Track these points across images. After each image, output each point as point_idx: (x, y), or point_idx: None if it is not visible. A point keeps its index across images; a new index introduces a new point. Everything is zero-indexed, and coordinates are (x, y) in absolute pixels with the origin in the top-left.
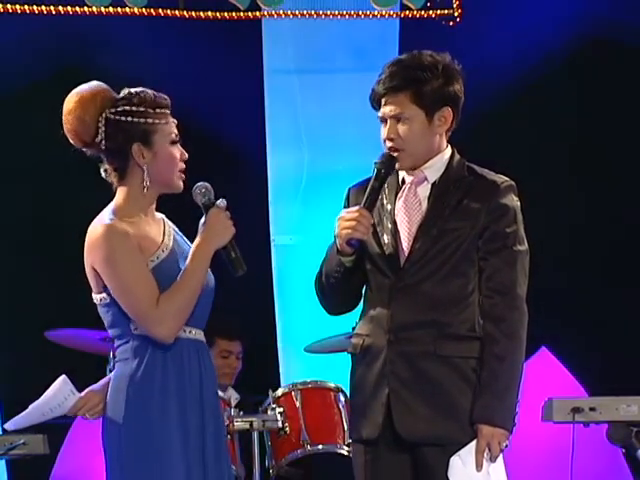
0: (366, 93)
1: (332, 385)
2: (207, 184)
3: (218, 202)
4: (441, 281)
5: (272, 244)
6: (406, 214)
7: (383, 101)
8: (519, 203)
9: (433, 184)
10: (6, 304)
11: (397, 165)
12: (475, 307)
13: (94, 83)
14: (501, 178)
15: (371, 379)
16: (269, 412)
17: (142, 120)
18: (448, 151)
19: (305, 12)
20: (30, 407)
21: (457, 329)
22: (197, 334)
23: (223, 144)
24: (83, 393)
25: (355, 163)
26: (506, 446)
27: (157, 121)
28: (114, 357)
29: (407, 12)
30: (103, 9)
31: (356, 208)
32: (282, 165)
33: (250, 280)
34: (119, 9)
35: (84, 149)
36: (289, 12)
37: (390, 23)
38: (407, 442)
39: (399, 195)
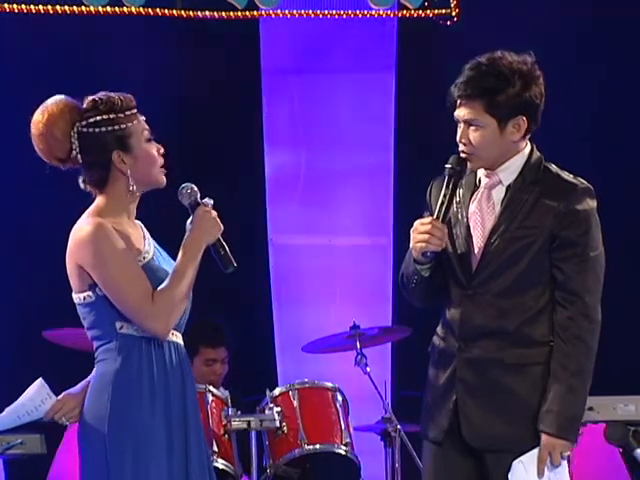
0: (363, 92)
1: (330, 385)
2: (192, 185)
3: (204, 201)
4: (511, 289)
5: (270, 243)
6: (480, 218)
7: (458, 103)
8: (595, 206)
9: (508, 187)
10: (5, 304)
11: (469, 165)
12: (548, 314)
13: (58, 98)
14: (576, 180)
15: (442, 382)
16: (267, 412)
17: (116, 127)
18: (526, 151)
19: (303, 12)
20: (6, 410)
21: (527, 337)
22: (177, 337)
23: (221, 143)
24: (60, 396)
25: (353, 163)
26: (568, 456)
27: (129, 124)
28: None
29: (405, 12)
30: (101, 8)
31: (429, 219)
32: (280, 165)
33: (248, 279)
34: (117, 9)
35: (59, 165)
36: (287, 12)
37: (388, 23)
38: (473, 447)
39: (473, 198)
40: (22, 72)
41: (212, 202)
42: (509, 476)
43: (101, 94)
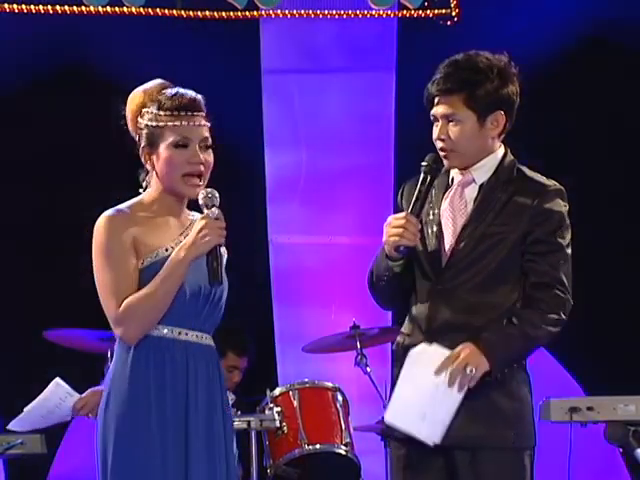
0: (363, 92)
1: (330, 385)
2: (212, 191)
3: (208, 211)
4: (480, 285)
5: (270, 243)
6: (451, 215)
7: (436, 101)
8: (567, 208)
9: (481, 186)
10: (6, 304)
11: (445, 163)
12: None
13: (155, 82)
14: (549, 182)
15: None
16: (267, 412)
17: (152, 123)
18: (500, 152)
19: (303, 11)
20: (25, 410)
21: None
22: (190, 336)
23: (221, 144)
24: (84, 394)
25: (353, 162)
26: (472, 372)
27: (163, 124)
28: (111, 355)
29: (405, 12)
30: (101, 9)
31: (403, 214)
32: (280, 165)
33: (248, 279)
34: (117, 9)
35: None
36: (287, 12)
37: (388, 22)
38: (437, 444)
39: (446, 196)
40: (22, 72)
41: (217, 212)
42: (408, 355)
43: (172, 89)
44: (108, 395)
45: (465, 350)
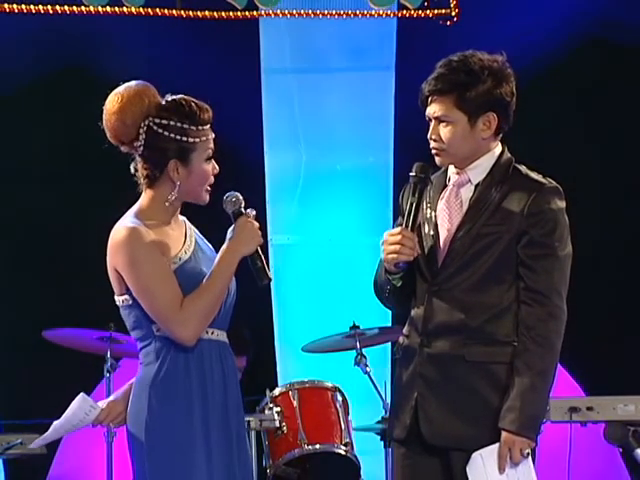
0: (363, 92)
1: (329, 385)
2: (237, 194)
3: (247, 211)
4: (475, 285)
5: (269, 244)
6: (447, 216)
7: (429, 101)
8: (564, 205)
9: (476, 186)
10: (6, 304)
11: (437, 161)
12: (513, 313)
13: (140, 83)
14: (545, 180)
15: (405, 380)
16: (266, 412)
17: (183, 138)
18: (497, 151)
19: (302, 11)
20: (52, 427)
21: (490, 335)
22: (219, 335)
23: (220, 144)
24: (104, 405)
25: (352, 162)
26: (528, 454)
27: (197, 140)
28: (114, 360)
29: (404, 11)
30: (101, 9)
31: (398, 230)
32: (279, 165)
33: (247, 279)
34: (117, 9)
35: (119, 146)
36: (286, 11)
37: (387, 22)
38: (433, 445)
39: (442, 196)
40: (22, 72)
41: (254, 213)
42: (467, 468)
43: (183, 98)
44: (149, 406)
45: (507, 445)
